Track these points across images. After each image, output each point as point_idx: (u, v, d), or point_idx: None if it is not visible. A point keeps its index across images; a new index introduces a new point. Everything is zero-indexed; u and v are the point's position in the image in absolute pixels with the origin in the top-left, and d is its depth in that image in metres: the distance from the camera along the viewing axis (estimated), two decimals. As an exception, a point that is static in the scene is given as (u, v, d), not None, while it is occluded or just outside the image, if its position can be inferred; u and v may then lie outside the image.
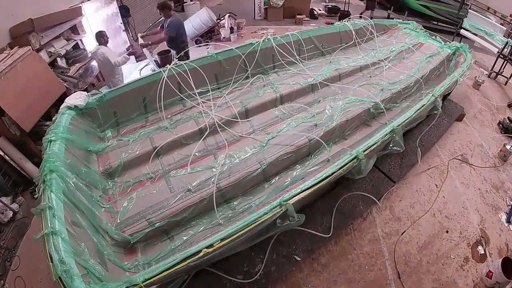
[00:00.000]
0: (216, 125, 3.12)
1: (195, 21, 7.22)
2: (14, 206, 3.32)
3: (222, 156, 2.79)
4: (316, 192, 2.25)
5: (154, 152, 2.87)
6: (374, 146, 2.58)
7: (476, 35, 6.93)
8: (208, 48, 6.55)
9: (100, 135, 3.09)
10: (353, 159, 2.41)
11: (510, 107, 5.25)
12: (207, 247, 1.72)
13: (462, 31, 7.16)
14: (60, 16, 4.69)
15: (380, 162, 3.47)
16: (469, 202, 3.38)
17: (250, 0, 9.50)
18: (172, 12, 4.85)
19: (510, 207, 3.31)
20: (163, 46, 7.45)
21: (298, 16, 8.83)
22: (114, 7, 5.97)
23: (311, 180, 2.21)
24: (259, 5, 9.16)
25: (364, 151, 2.48)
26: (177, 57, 4.16)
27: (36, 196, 3.35)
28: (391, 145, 2.93)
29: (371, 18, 6.00)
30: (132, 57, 6.52)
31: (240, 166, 2.69)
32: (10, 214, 3.23)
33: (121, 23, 6.13)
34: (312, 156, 3.02)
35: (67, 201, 1.96)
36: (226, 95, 3.62)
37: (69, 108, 2.80)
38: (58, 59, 4.63)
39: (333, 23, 5.10)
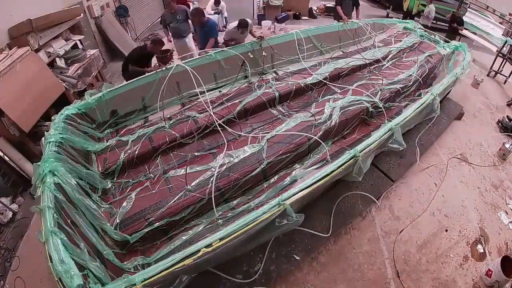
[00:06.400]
0: (216, 124, 3.13)
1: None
2: (14, 206, 3.32)
3: (221, 155, 2.79)
4: (315, 192, 2.25)
5: (153, 152, 2.88)
6: (373, 145, 2.59)
7: (475, 33, 6.95)
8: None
9: (99, 135, 3.09)
10: (351, 158, 2.41)
11: (509, 106, 5.26)
12: (206, 247, 1.72)
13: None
14: (59, 16, 4.69)
15: (379, 161, 3.48)
16: (468, 201, 3.38)
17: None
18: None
19: None
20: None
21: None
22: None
23: (310, 179, 2.20)
24: (258, 4, 9.15)
25: (363, 150, 2.48)
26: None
27: (35, 196, 3.35)
28: (390, 143, 2.92)
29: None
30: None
31: (239, 166, 2.69)
32: (10, 214, 3.23)
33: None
34: (311, 155, 3.02)
35: (67, 201, 1.97)
36: (225, 94, 3.62)
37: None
38: (57, 59, 4.63)
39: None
